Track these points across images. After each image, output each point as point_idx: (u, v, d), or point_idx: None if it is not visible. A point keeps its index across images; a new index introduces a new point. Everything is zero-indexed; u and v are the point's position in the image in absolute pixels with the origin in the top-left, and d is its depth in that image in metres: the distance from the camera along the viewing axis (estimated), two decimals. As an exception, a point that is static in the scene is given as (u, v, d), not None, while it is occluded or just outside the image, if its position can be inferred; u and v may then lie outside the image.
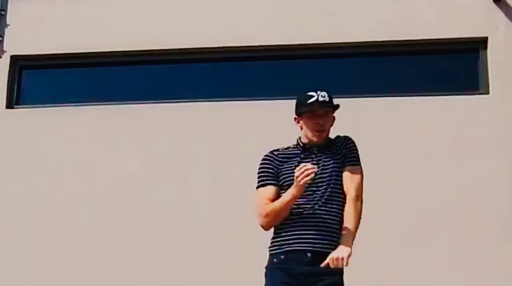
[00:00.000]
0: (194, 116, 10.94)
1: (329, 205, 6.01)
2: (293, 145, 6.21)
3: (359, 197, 6.10)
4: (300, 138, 6.14)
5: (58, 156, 11.06)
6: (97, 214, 10.74)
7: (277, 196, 6.04)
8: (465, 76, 10.92)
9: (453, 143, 10.39)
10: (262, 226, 6.13)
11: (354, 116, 9.93)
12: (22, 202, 10.87)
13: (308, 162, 5.85)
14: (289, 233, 6.02)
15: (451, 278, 9.76)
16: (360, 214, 6.07)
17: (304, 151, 6.09)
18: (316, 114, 5.94)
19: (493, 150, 10.26)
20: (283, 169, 6.06)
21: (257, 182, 6.14)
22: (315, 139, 5.99)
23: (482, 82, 10.65)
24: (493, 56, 10.56)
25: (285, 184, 6.00)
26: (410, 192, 10.22)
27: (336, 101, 9.39)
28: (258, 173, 6.17)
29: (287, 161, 6.07)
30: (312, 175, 5.61)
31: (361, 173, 6.21)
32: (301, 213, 6.01)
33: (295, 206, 5.97)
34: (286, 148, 6.25)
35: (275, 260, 6.11)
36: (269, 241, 6.09)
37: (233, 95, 10.98)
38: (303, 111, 6.01)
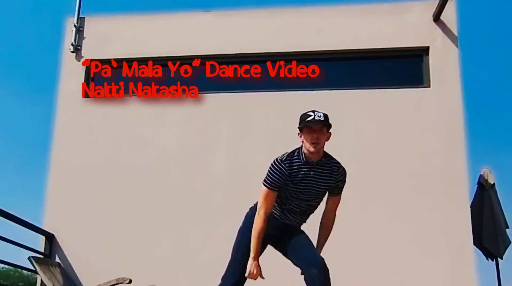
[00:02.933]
0: (217, 104, 11.18)
1: (314, 208, 6.47)
2: (296, 154, 6.23)
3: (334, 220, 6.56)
4: (303, 150, 6.18)
5: (118, 132, 11.36)
6: (147, 177, 10.95)
7: (276, 197, 6.25)
8: (413, 74, 11.20)
9: (404, 123, 10.69)
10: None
11: (333, 104, 10.07)
12: (94, 165, 11.12)
13: (308, 173, 6.15)
14: (282, 217, 6.41)
15: (400, 226, 10.10)
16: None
17: (306, 164, 6.18)
18: (313, 129, 6.02)
19: (433, 129, 10.52)
20: (289, 180, 6.12)
21: (267, 181, 6.15)
22: (311, 149, 6.04)
23: (425, 79, 10.91)
24: (433, 60, 10.85)
25: (288, 188, 6.20)
26: (370, 161, 10.49)
27: (319, 92, 9.89)
28: (271, 176, 6.15)
29: (295, 175, 6.13)
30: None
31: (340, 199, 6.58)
32: (294, 210, 6.38)
33: (290, 205, 6.33)
34: (291, 161, 6.19)
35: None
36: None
37: (246, 88, 11.11)
38: (302, 126, 6.09)
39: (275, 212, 6.41)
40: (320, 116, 6.06)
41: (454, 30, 10.99)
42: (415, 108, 10.84)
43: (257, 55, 11.38)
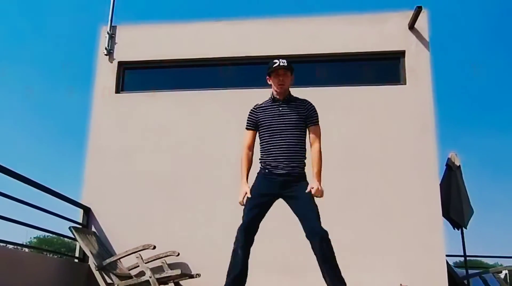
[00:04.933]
0: (226, 98, 11.16)
1: (296, 141, 6.41)
2: (268, 98, 6.68)
3: (320, 147, 6.48)
4: (272, 92, 6.62)
5: (144, 121, 11.33)
6: (169, 159, 10.99)
7: (254, 135, 6.73)
8: (391, 74, 11.10)
9: (384, 115, 10.71)
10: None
11: (325, 98, 10.10)
12: (124, 149, 11.18)
13: (277, 109, 6.50)
14: (269, 158, 6.45)
15: (381, 200, 10.13)
16: (321, 157, 6.43)
17: (274, 102, 6.59)
18: (278, 73, 6.45)
19: (408, 119, 10.57)
20: (260, 117, 6.58)
21: (246, 124, 6.78)
22: (278, 90, 6.49)
23: (402, 77, 10.90)
24: (408, 62, 10.86)
25: (261, 125, 6.56)
26: (356, 146, 10.57)
27: (311, 89, 9.90)
28: (247, 119, 6.78)
29: (263, 111, 6.59)
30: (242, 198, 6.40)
31: (320, 130, 6.61)
32: (275, 145, 6.43)
33: (270, 141, 6.46)
34: (262, 103, 6.72)
35: (262, 171, 6.54)
36: None
37: (252, 85, 10.89)
38: (270, 72, 6.54)
39: (264, 164, 6.54)
40: (284, 62, 6.46)
41: (426, 36, 11.01)
42: (394, 102, 10.85)
43: (260, 57, 11.15)
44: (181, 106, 11.38)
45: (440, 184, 10.46)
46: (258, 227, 6.33)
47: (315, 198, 6.28)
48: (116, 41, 11.94)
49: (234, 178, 10.26)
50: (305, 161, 6.55)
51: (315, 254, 6.02)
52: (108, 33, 11.86)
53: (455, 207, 11.00)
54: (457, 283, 10.48)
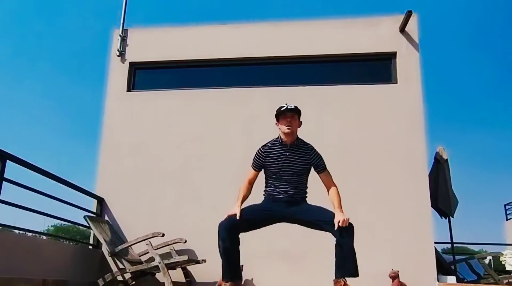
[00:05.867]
0: (231, 96, 11.16)
1: (296, 184, 6.28)
2: (275, 139, 6.31)
3: (337, 187, 6.36)
4: (280, 136, 6.25)
5: (154, 117, 11.30)
6: (177, 152, 10.97)
7: (257, 175, 6.46)
8: (384, 73, 11.02)
9: (377, 111, 10.68)
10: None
11: (321, 96, 10.47)
12: (135, 144, 11.16)
13: (284, 154, 6.19)
14: (274, 192, 6.31)
15: (375, 191, 10.13)
16: (340, 195, 6.31)
17: (281, 146, 6.24)
18: (286, 116, 6.11)
19: (400, 116, 10.53)
20: (266, 161, 6.27)
21: (252, 162, 6.42)
22: (286, 131, 6.12)
23: (394, 77, 10.86)
24: (399, 62, 10.84)
25: (267, 168, 6.31)
26: (351, 140, 10.52)
27: (309, 88, 9.83)
28: (253, 159, 6.40)
29: (269, 155, 6.25)
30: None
31: (330, 174, 6.44)
32: (279, 186, 6.28)
33: (275, 183, 6.29)
34: (270, 145, 6.32)
35: (267, 198, 6.36)
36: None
37: (254, 84, 11.14)
38: (278, 115, 6.21)
39: (269, 195, 6.38)
40: (291, 106, 6.17)
41: (416, 39, 11.00)
42: (386, 100, 10.80)
43: (262, 58, 11.36)
44: (188, 104, 11.34)
45: (428, 176, 10.38)
46: (241, 232, 6.18)
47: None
48: (127, 43, 11.96)
49: (237, 170, 10.35)
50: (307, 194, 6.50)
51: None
52: (120, 35, 11.88)
53: (443, 197, 10.98)
54: (445, 268, 10.45)
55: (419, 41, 11.01)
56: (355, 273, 5.98)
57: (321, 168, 6.40)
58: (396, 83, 10.85)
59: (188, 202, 10.60)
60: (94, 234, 10.09)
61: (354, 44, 11.22)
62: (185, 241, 9.69)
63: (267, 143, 6.38)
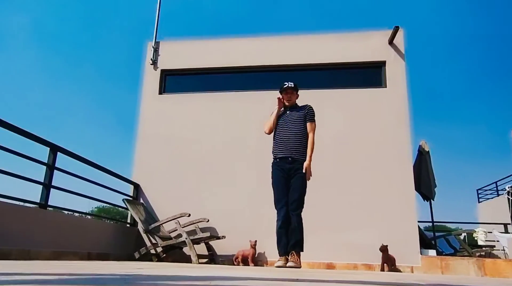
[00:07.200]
0: (248, 98, 11.09)
1: (297, 135, 6.98)
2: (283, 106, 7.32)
3: (313, 137, 6.99)
4: (284, 103, 7.31)
5: (184, 117, 11.25)
6: (202, 147, 10.91)
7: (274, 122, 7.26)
8: (375, 79, 10.91)
9: (368, 112, 10.57)
10: (265, 131, 7.32)
11: (320, 98, 10.27)
12: (166, 138, 11.12)
13: (286, 112, 7.22)
14: (279, 147, 6.97)
15: (366, 179, 10.04)
16: (314, 143, 6.96)
17: (285, 109, 7.29)
18: (287, 92, 7.28)
19: (388, 115, 10.44)
20: (279, 117, 7.24)
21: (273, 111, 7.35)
22: (287, 103, 7.26)
23: (383, 82, 10.78)
24: (388, 69, 10.76)
25: (278, 122, 7.21)
26: (345, 138, 10.45)
27: (311, 91, 9.73)
28: (275, 110, 7.34)
29: (280, 114, 7.29)
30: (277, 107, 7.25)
31: (315, 124, 7.14)
32: (282, 138, 7.00)
33: (280, 134, 7.03)
34: (282, 109, 7.33)
35: (274, 160, 7.02)
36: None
37: (266, 88, 10.94)
38: (281, 91, 7.35)
39: (276, 149, 7.07)
40: (291, 84, 7.29)
41: (402, 49, 10.91)
42: (377, 101, 10.68)
43: (274, 66, 11.33)
44: (210, 104, 11.29)
45: (413, 166, 10.33)
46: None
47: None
48: (159, 54, 11.96)
49: (252, 161, 10.33)
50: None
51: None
52: (153, 47, 11.88)
53: (425, 183, 10.88)
54: (426, 243, 10.36)
55: (405, 51, 10.91)
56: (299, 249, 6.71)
57: (310, 117, 7.16)
58: (386, 87, 10.78)
59: (211, 188, 10.53)
60: (131, 214, 10.06)
61: (350, 54, 11.16)
62: (208, 220, 9.68)
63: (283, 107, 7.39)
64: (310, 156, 6.88)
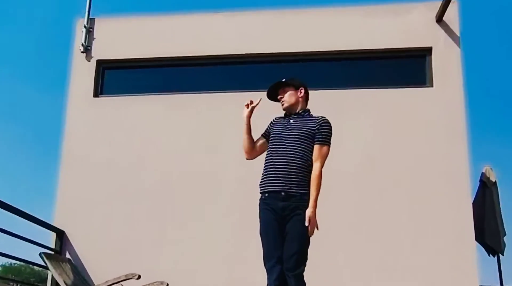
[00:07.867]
0: (222, 102, 11.09)
1: (295, 158, 6.37)
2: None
3: (321, 165, 6.37)
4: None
5: (127, 129, 11.30)
6: (156, 173, 10.93)
7: (262, 143, 7.01)
8: (416, 74, 11.07)
9: (407, 123, 10.65)
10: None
11: (335, 102, 10.46)
12: (104, 162, 11.09)
13: (288, 120, 6.79)
14: (268, 177, 6.48)
15: (405, 223, 10.06)
16: (321, 176, 6.34)
17: (286, 117, 6.88)
18: (277, 92, 6.93)
19: (436, 128, 10.49)
20: (273, 129, 6.86)
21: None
22: (282, 107, 6.91)
23: (428, 79, 10.85)
24: (436, 60, 10.80)
25: (271, 137, 6.80)
26: (375, 160, 10.49)
27: (321, 92, 9.91)
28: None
29: (276, 123, 6.89)
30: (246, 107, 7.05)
31: (327, 150, 6.48)
32: (274, 162, 6.48)
33: (272, 155, 6.55)
34: (280, 117, 6.97)
35: (262, 196, 6.55)
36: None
37: (251, 87, 10.36)
38: (268, 95, 7.10)
39: (265, 179, 6.59)
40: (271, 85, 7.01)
41: (457, 30, 10.96)
42: (418, 107, 10.79)
43: (264, 55, 11.44)
44: (171, 112, 11.35)
45: (472, 203, 10.40)
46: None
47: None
48: (94, 37, 11.92)
49: (233, 194, 10.44)
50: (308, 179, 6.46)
51: None
52: (85, 27, 11.84)
53: (490, 230, 10.94)
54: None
55: (460, 33, 10.97)
56: None
57: (320, 138, 6.51)
58: (432, 86, 10.86)
59: (171, 235, 10.56)
60: (52, 276, 10.04)
61: (378, 38, 11.21)
62: (167, 285, 9.71)
63: (278, 117, 7.14)
64: (315, 200, 6.28)
